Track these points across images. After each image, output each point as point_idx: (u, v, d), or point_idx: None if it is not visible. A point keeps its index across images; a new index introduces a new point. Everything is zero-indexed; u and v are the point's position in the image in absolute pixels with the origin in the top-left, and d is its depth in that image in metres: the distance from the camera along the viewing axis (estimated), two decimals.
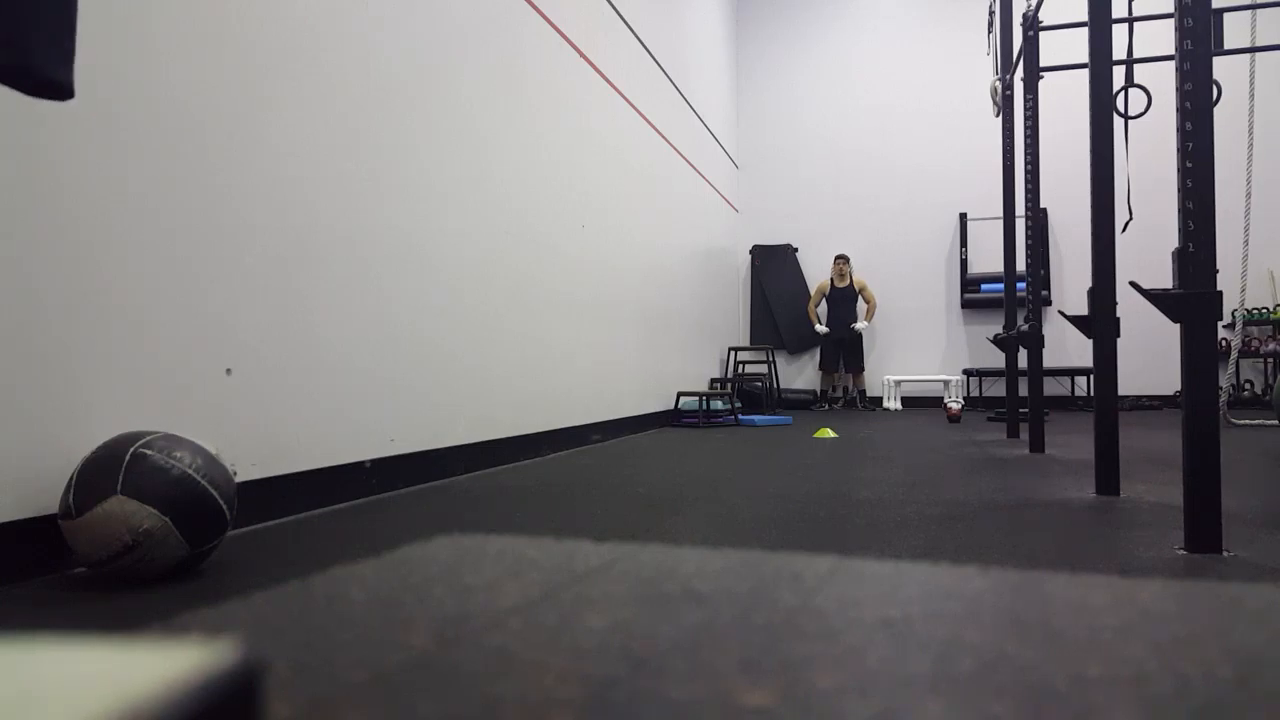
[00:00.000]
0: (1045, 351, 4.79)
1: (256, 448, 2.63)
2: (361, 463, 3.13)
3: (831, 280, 9.56)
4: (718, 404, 7.48)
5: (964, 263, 9.72)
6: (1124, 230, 3.70)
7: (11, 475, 1.96)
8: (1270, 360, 8.90)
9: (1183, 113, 2.19)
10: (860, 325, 9.47)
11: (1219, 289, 2.14)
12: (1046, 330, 4.84)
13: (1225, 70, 4.48)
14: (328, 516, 2.76)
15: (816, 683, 0.21)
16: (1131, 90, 5.13)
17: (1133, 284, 2.31)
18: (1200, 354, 2.15)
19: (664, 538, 2.45)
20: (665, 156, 7.18)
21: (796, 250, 10.19)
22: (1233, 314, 6.16)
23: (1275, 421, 6.26)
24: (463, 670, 0.23)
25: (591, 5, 5.56)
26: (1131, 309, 3.15)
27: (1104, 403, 3.12)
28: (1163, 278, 2.36)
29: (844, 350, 9.48)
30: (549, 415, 4.76)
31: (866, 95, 10.13)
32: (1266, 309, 8.93)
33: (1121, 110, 5.03)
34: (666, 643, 0.24)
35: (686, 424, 7.05)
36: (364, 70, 3.22)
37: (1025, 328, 4.68)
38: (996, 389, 9.37)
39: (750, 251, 10.27)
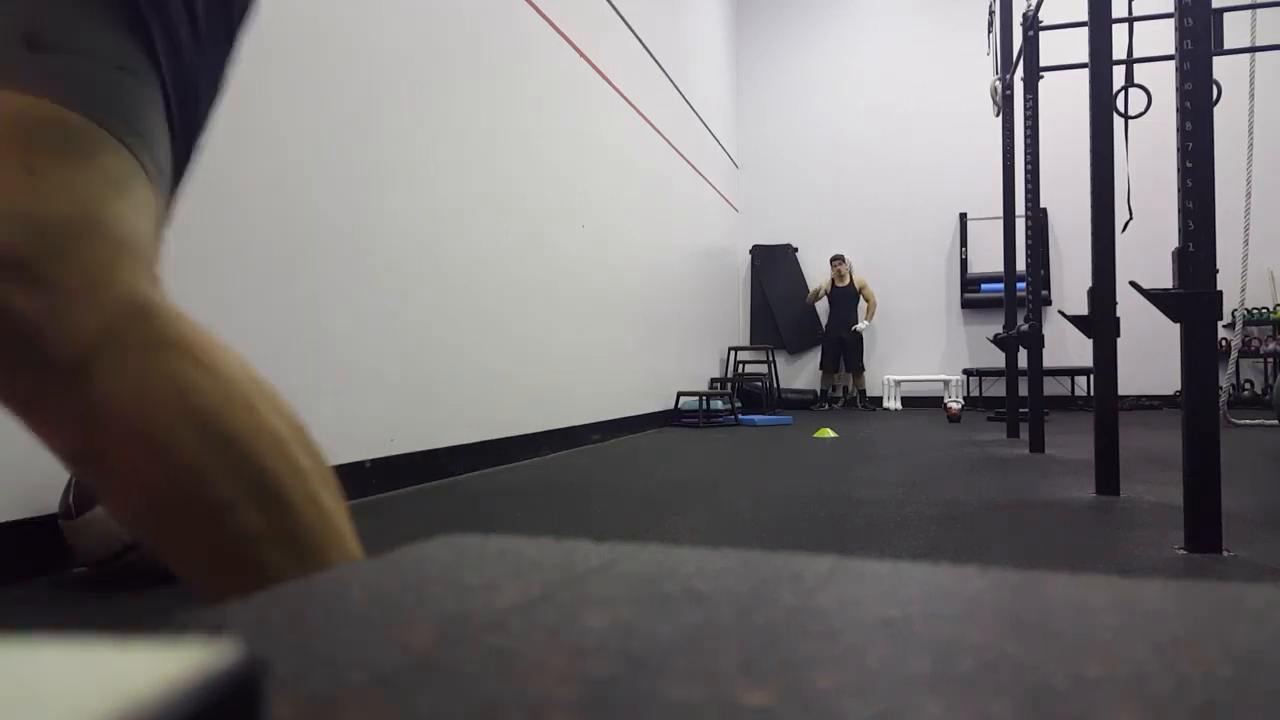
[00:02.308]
0: (1045, 351, 4.78)
1: None
2: (361, 463, 3.13)
3: (832, 280, 9.56)
4: (718, 404, 7.48)
5: (964, 263, 9.71)
6: (1124, 230, 3.70)
7: (11, 475, 1.96)
8: (1270, 360, 8.90)
9: (1183, 113, 2.19)
10: (861, 326, 9.47)
11: (1219, 289, 2.14)
12: (1046, 330, 4.84)
13: (1225, 70, 4.48)
14: None
15: (817, 682, 0.21)
16: (1131, 90, 5.13)
17: (1133, 284, 2.31)
18: (1200, 354, 2.15)
19: (664, 538, 2.45)
20: (665, 156, 7.18)
21: (796, 250, 10.19)
22: (1233, 314, 6.16)
23: (1275, 421, 6.26)
24: (463, 670, 0.23)
25: (591, 5, 5.56)
26: (1131, 309, 3.15)
27: (1104, 403, 3.12)
28: (1163, 278, 2.36)
29: (844, 350, 9.48)
30: (549, 415, 4.76)
31: (866, 95, 10.13)
32: (1266, 309, 8.93)
33: (1121, 110, 5.03)
34: (666, 643, 0.24)
35: (686, 424, 7.05)
36: (366, 69, 3.22)
37: (1025, 327, 4.68)
38: (996, 389, 9.37)
39: (750, 251, 10.26)
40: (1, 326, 0.56)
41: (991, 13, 6.13)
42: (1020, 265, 5.48)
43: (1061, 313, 3.49)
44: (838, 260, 9.48)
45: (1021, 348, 4.97)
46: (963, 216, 9.75)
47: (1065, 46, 6.03)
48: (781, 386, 9.70)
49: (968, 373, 9.65)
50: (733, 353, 9.58)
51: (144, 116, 0.65)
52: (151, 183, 0.66)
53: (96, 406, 0.59)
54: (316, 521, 0.66)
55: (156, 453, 0.60)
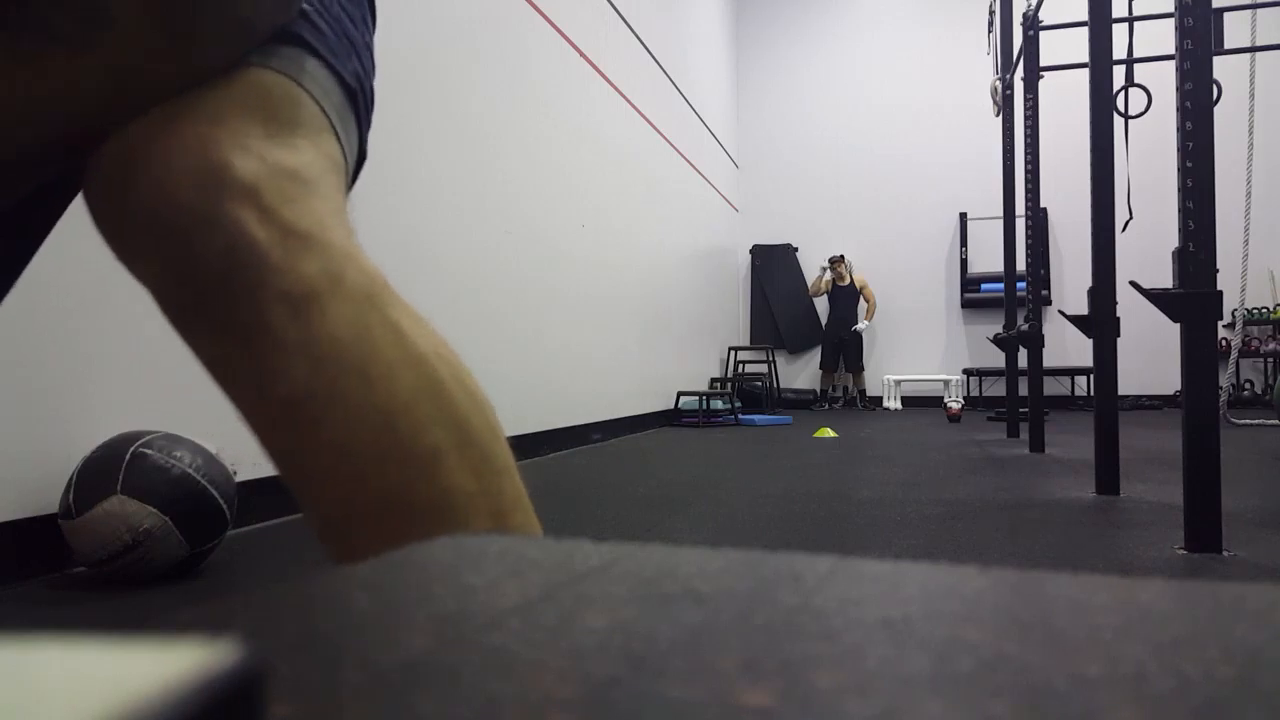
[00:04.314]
0: (1045, 351, 4.78)
1: (257, 447, 2.63)
2: None
3: (832, 280, 9.55)
4: (718, 404, 7.48)
5: (964, 262, 9.71)
6: (1124, 230, 3.70)
7: (11, 475, 1.96)
8: (1270, 360, 8.91)
9: (1183, 113, 2.20)
10: (861, 326, 9.47)
11: (1219, 289, 2.14)
12: (1046, 330, 4.83)
13: (1225, 70, 4.48)
14: None
15: (817, 682, 0.21)
16: (1131, 90, 5.13)
17: (1133, 284, 2.31)
18: (1200, 354, 2.15)
19: (664, 538, 2.45)
20: (665, 156, 7.18)
21: (797, 250, 10.19)
22: (1233, 314, 6.16)
23: (1275, 421, 6.26)
24: (463, 670, 0.23)
25: (592, 6, 5.56)
26: (1131, 308, 3.15)
27: (1104, 403, 3.12)
28: (1163, 277, 2.36)
29: (844, 350, 9.48)
30: (549, 415, 4.76)
31: (866, 95, 10.13)
32: (1266, 309, 8.93)
33: (1122, 110, 5.02)
34: (666, 643, 0.24)
35: (686, 424, 7.05)
36: None
37: (1025, 327, 4.68)
38: (996, 389, 9.36)
39: (750, 251, 10.27)
40: (237, 247, 0.59)
41: (991, 13, 6.13)
42: (1020, 265, 5.48)
43: (1061, 313, 3.49)
44: (837, 261, 9.47)
45: (1021, 347, 4.97)
46: (963, 216, 9.75)
47: (1065, 46, 6.03)
48: (781, 386, 9.70)
49: (968, 373, 9.65)
50: (733, 353, 9.58)
51: (349, 129, 0.72)
52: (346, 174, 0.72)
53: (320, 341, 0.60)
54: (512, 491, 0.66)
55: (374, 390, 0.60)
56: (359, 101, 0.73)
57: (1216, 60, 2.57)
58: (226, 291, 0.59)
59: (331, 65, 0.70)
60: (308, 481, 0.63)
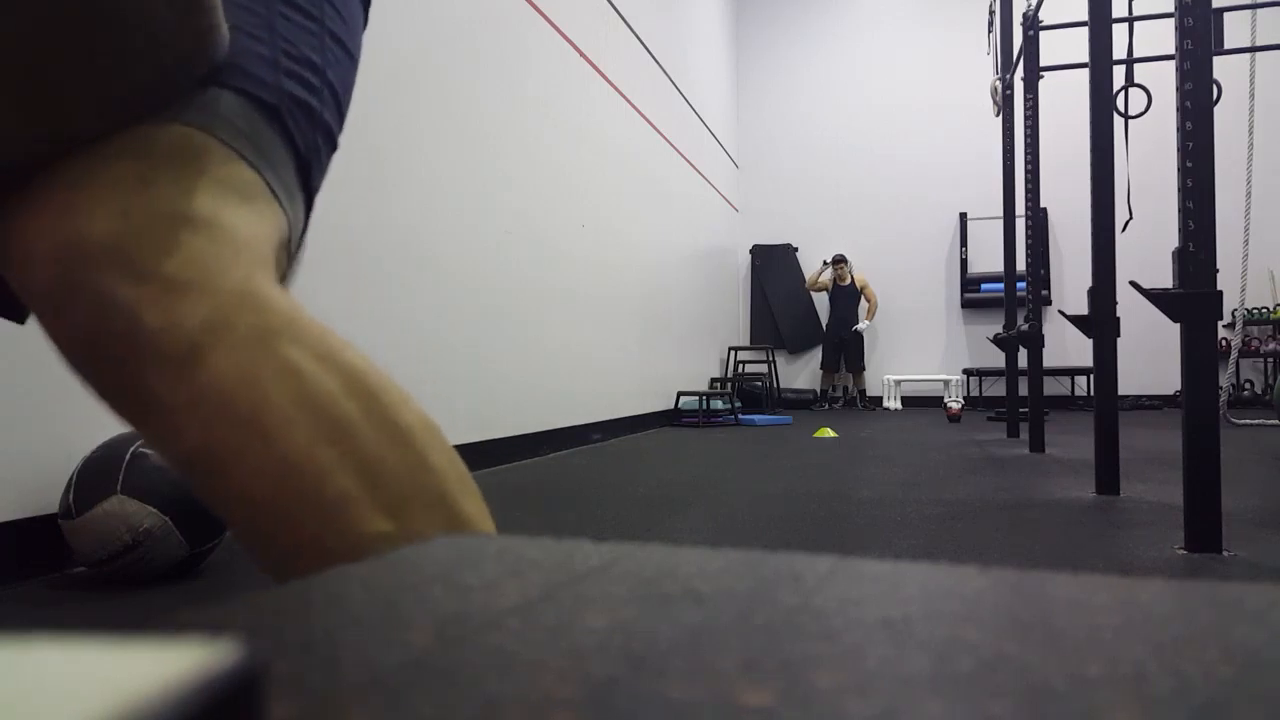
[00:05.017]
0: (1045, 351, 4.78)
1: None
2: None
3: (832, 279, 9.56)
4: (718, 404, 7.48)
5: (964, 262, 9.71)
6: (1124, 230, 3.70)
7: (11, 475, 1.96)
8: (1270, 360, 8.90)
9: (1183, 112, 2.20)
10: (862, 326, 9.47)
11: (1219, 289, 2.14)
12: (1046, 330, 4.84)
13: (1225, 70, 4.48)
14: None
15: (817, 682, 0.21)
16: (1131, 90, 5.13)
17: (1133, 284, 2.31)
18: (1200, 354, 2.15)
19: (664, 538, 2.45)
20: (665, 156, 7.18)
21: (797, 250, 10.19)
22: (1233, 314, 6.16)
23: (1275, 421, 6.26)
24: (463, 670, 0.23)
25: (592, 6, 5.56)
26: (1131, 308, 3.15)
27: (1104, 403, 3.12)
28: (1163, 277, 2.36)
29: (845, 350, 9.48)
30: (549, 415, 4.76)
31: (867, 95, 10.13)
32: (1266, 309, 8.93)
33: (1122, 110, 5.02)
34: (666, 643, 0.24)
35: (686, 424, 7.05)
36: (366, 69, 3.22)
37: (1025, 327, 4.68)
38: (996, 389, 9.37)
39: (750, 251, 10.27)
40: (105, 316, 0.55)
41: (991, 13, 6.13)
42: (1020, 265, 5.48)
43: (1061, 313, 3.49)
44: (839, 262, 9.46)
45: (1021, 347, 4.97)
46: (963, 216, 9.75)
47: (1065, 46, 6.03)
48: (781, 386, 9.70)
49: (968, 373, 9.65)
50: (733, 353, 9.58)
51: (271, 149, 0.66)
52: (279, 204, 0.66)
53: (207, 398, 0.56)
54: (444, 524, 0.61)
55: (270, 441, 0.56)
56: (282, 115, 0.67)
57: (1216, 60, 2.57)
58: (104, 363, 0.57)
59: (238, 88, 0.64)
60: (228, 525, 0.61)
